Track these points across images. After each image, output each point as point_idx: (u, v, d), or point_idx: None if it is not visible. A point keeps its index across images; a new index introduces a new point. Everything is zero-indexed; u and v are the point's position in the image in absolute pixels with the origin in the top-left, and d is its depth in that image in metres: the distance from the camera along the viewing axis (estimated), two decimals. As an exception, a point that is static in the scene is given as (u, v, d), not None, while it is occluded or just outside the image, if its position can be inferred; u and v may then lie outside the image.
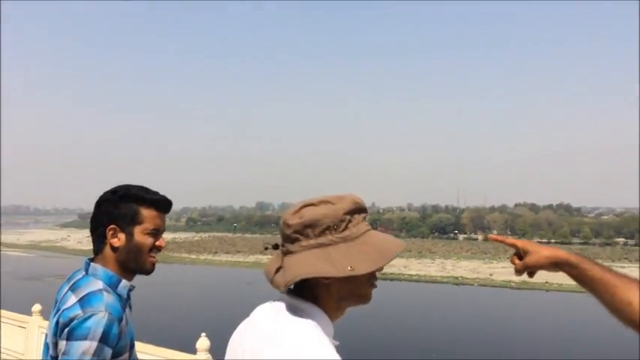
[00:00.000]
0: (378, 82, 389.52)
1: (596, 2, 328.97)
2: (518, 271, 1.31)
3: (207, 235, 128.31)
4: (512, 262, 1.33)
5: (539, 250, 1.28)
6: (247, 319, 1.19)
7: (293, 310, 1.09)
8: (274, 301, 1.17)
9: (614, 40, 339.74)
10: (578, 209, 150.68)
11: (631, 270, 56.84)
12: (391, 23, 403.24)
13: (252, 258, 76.41)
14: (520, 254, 1.31)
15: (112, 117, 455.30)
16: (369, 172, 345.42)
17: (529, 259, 1.28)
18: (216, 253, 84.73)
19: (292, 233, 1.11)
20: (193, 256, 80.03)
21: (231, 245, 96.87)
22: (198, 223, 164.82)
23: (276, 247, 1.17)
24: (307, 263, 1.08)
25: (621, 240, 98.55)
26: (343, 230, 1.11)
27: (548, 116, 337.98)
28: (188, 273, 61.91)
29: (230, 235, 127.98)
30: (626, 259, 70.70)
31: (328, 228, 1.10)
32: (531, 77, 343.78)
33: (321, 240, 1.10)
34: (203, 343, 5.93)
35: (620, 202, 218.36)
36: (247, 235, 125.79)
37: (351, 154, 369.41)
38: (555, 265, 1.26)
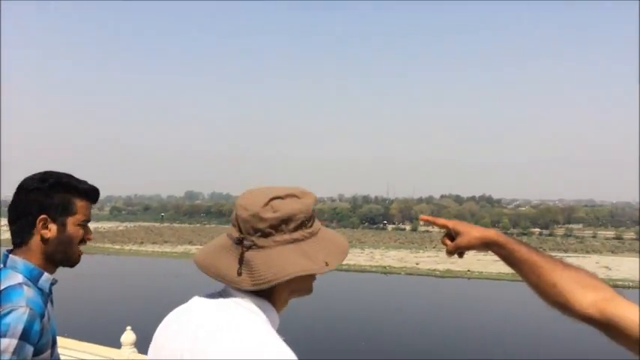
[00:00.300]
0: (311, 75, 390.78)
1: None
2: (450, 252, 1.31)
3: (132, 224, 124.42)
4: (444, 243, 1.32)
5: (470, 231, 1.28)
6: (181, 311, 1.11)
7: (242, 305, 1.04)
8: (215, 292, 1.10)
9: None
10: (499, 201, 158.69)
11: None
12: (321, 16, 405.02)
13: (180, 248, 74.90)
14: (451, 235, 1.31)
15: (29, 100, 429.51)
16: (301, 163, 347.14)
17: (460, 240, 1.29)
18: (142, 243, 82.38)
19: (267, 227, 1.05)
20: (117, 247, 77.45)
21: (158, 235, 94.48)
22: (123, 212, 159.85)
23: (240, 240, 1.07)
24: (291, 260, 1.04)
25: (537, 230, 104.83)
26: (311, 226, 1.11)
27: (472, 112, 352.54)
28: (112, 264, 59.80)
29: (157, 224, 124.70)
30: (540, 248, 74.70)
31: (302, 223, 1.08)
32: (456, 72, 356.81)
33: (295, 235, 1.07)
34: (128, 336, 5.76)
35: (537, 194, 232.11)
36: (175, 225, 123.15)
37: (283, 145, 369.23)
38: (485, 246, 1.27)
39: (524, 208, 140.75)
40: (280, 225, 1.06)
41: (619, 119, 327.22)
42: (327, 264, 1.07)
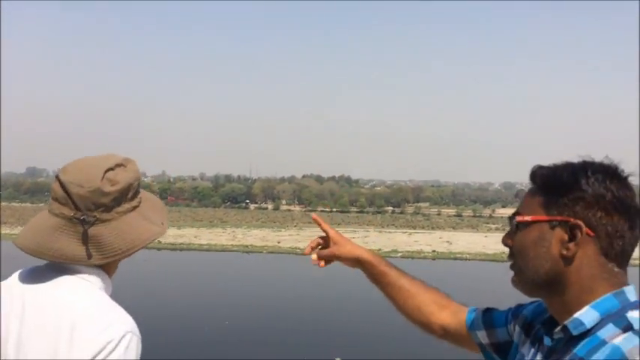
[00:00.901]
0: (172, 53, 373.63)
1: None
2: (321, 258, 1.48)
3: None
4: (313, 247, 1.51)
5: (346, 245, 1.46)
6: (3, 287, 1.10)
7: (79, 275, 1.04)
8: (42, 266, 1.10)
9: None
10: (357, 181, 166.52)
11: (396, 235, 65.09)
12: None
13: (20, 230, 67.96)
14: (325, 240, 1.49)
15: None
16: (159, 140, 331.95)
17: (337, 250, 1.45)
18: (-27, 225, 73.43)
19: (110, 201, 1.06)
20: (-57, 229, 68.15)
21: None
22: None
23: (81, 218, 1.06)
24: (141, 227, 1.08)
25: (390, 208, 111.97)
26: (140, 191, 1.15)
27: (333, 96, 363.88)
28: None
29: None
30: (393, 225, 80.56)
31: (137, 190, 1.13)
32: (315, 54, 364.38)
33: (134, 203, 1.11)
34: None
35: (391, 175, 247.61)
36: (15, 205, 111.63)
37: (141, 119, 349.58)
38: (357, 262, 1.44)
39: (379, 188, 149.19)
40: (121, 196, 1.08)
41: (462, 110, 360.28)
42: (162, 224, 1.14)
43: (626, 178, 0.99)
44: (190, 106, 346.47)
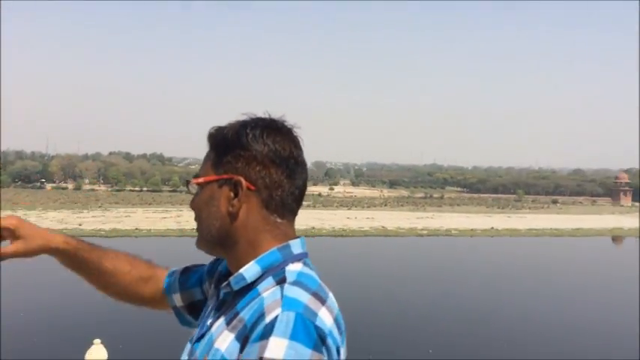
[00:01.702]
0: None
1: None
2: (5, 257, 1.11)
3: None
4: None
5: (34, 237, 1.14)
6: None
7: None
8: None
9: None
10: (170, 159, 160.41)
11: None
12: None
13: None
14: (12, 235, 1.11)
15: None
16: None
17: (20, 246, 1.12)
18: None
19: None
20: None
21: None
22: None
23: None
24: None
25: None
26: None
27: (122, 66, 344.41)
28: None
29: None
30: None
31: None
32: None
33: None
34: None
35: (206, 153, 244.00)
36: None
37: None
38: (50, 253, 1.18)
39: (194, 167, 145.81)
40: None
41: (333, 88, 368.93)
42: None
43: (283, 131, 1.02)
44: None
